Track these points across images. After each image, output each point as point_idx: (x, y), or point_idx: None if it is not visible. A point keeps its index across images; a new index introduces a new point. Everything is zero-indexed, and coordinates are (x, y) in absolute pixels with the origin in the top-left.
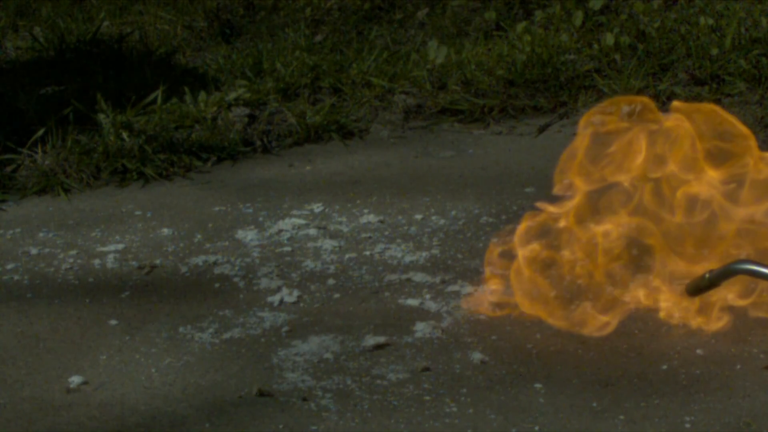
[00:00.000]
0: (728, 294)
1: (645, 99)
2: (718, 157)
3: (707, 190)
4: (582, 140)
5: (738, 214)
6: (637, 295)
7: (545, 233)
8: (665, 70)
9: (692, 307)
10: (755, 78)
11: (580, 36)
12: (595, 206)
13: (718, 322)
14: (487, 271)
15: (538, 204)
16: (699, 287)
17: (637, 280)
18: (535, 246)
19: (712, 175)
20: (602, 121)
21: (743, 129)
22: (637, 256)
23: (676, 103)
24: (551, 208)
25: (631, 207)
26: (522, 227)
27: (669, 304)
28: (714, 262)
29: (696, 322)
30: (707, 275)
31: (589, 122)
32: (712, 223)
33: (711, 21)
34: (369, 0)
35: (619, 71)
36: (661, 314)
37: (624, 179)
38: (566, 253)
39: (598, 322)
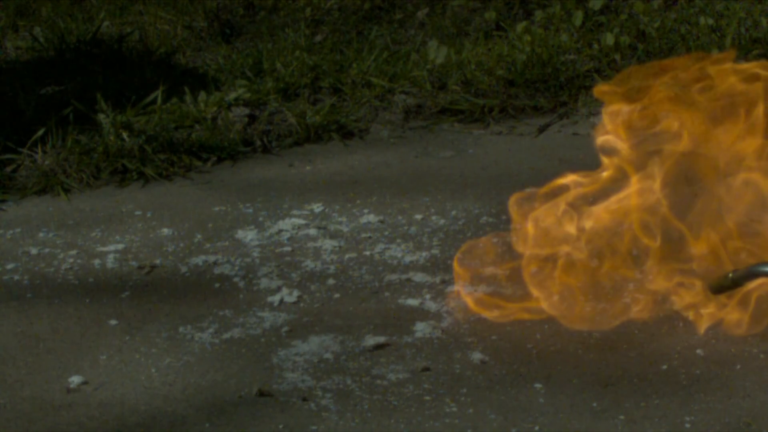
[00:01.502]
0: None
1: (730, 54)
2: None
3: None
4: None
5: None
6: (655, 292)
7: (550, 228)
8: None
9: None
10: None
11: (580, 36)
12: (608, 195)
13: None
14: (488, 269)
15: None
16: (722, 286)
17: (652, 276)
18: (541, 242)
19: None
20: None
21: None
22: (657, 250)
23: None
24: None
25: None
26: (529, 224)
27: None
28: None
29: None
30: (730, 275)
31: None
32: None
33: (711, 21)
34: (369, 0)
35: (619, 71)
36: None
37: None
38: (574, 250)
39: (607, 320)
